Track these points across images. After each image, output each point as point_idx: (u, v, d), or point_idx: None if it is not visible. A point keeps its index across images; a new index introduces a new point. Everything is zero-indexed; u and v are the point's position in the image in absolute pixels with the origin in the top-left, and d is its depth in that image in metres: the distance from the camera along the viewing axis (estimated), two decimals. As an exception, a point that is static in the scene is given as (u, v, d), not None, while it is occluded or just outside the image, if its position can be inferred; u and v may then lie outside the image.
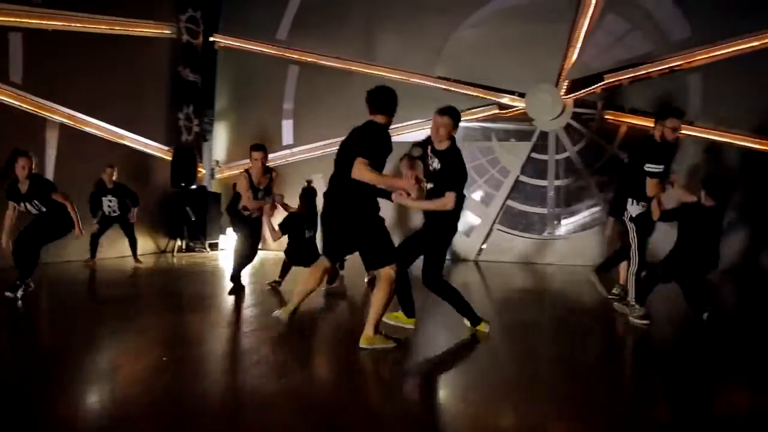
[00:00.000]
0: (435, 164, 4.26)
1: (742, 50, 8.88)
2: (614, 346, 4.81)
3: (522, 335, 4.82)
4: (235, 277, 6.02)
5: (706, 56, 9.06)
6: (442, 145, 4.28)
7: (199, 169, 10.41)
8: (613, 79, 9.44)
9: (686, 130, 9.10)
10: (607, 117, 9.56)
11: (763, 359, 4.09)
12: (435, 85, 10.18)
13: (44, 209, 5.52)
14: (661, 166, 4.83)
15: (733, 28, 8.91)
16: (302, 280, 4.29)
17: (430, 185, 4.33)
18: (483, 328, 4.41)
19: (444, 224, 4.29)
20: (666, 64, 9.25)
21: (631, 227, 5.04)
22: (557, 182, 9.77)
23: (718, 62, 9.01)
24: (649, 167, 4.80)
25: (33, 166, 5.51)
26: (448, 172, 4.19)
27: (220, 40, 11.27)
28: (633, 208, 4.99)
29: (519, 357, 4.14)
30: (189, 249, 9.93)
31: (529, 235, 9.86)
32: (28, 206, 5.53)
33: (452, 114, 4.30)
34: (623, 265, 5.61)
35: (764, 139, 8.83)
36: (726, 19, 8.93)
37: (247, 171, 6.03)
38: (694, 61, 9.13)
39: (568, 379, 3.56)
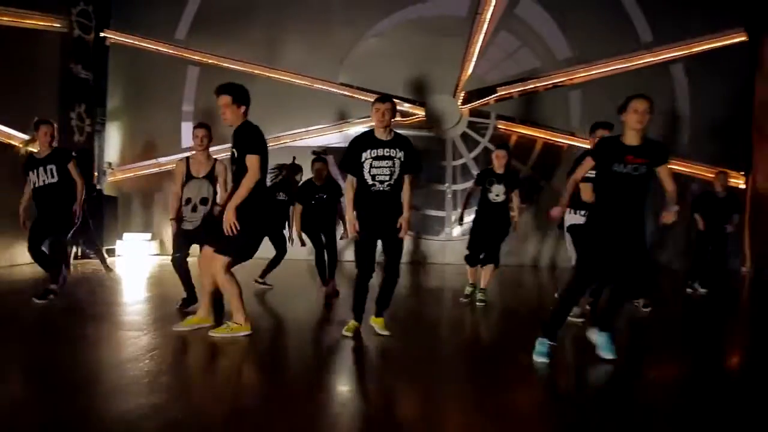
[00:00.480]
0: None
1: (615, 70, 9.90)
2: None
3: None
4: None
5: (585, 74, 10.00)
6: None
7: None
8: (505, 92, 10.16)
9: (568, 140, 10.03)
10: (499, 126, 10.24)
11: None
12: (338, 91, 10.41)
13: (55, 179, 5.56)
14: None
15: (608, 49, 9.92)
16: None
17: None
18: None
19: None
20: (551, 80, 10.10)
21: (567, 237, 5.19)
22: (455, 186, 10.31)
23: (596, 80, 9.96)
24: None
25: (55, 135, 5.70)
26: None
27: (111, 36, 10.82)
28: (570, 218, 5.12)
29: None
30: (84, 256, 9.39)
31: (429, 236, 10.33)
32: (41, 173, 5.56)
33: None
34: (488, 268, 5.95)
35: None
36: (601, 42, 9.93)
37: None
38: (574, 78, 10.04)
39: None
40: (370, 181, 4.17)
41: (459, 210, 8.67)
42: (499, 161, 5.92)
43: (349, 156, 4.24)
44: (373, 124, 4.26)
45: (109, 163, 10.71)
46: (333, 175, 6.68)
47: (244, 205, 4.13)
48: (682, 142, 9.91)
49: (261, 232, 4.48)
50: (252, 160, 4.14)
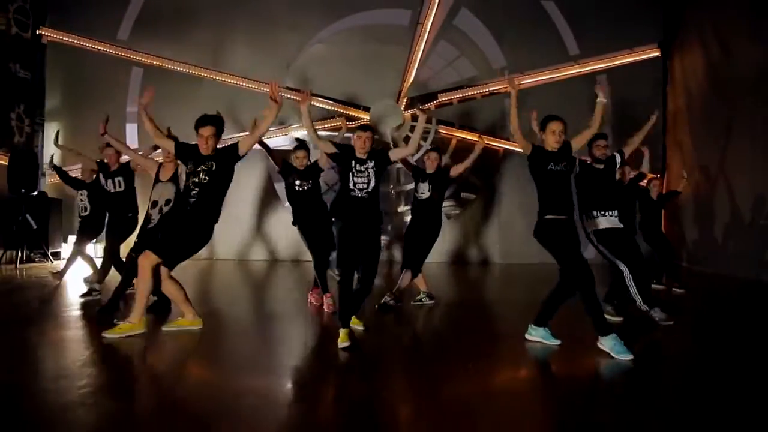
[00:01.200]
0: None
1: (545, 80, 10.69)
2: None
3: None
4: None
5: (517, 83, 10.67)
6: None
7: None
8: (445, 98, 10.73)
9: (504, 144, 10.72)
10: (440, 131, 10.81)
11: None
12: (285, 95, 10.62)
13: (123, 189, 6.19)
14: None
15: (540, 61, 10.69)
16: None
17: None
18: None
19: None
20: (487, 87, 10.76)
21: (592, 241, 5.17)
22: (398, 187, 10.80)
23: (530, 89, 10.68)
24: None
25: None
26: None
27: (48, 33, 10.60)
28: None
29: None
30: (29, 259, 9.20)
31: (375, 236, 10.78)
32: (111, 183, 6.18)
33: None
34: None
35: (563, 154, 10.70)
36: (534, 53, 10.69)
37: None
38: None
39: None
40: (351, 187, 4.55)
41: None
42: (430, 162, 6.36)
43: (343, 155, 4.57)
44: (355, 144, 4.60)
45: (51, 159, 10.44)
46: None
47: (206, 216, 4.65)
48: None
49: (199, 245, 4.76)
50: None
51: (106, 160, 6.27)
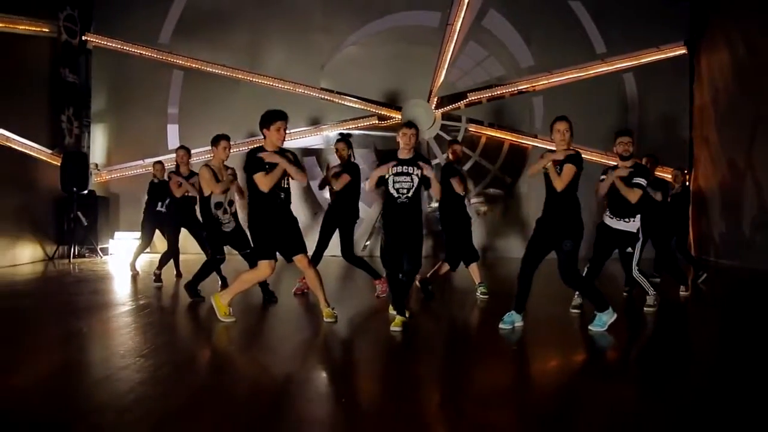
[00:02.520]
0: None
1: (572, 78, 10.92)
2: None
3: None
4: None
5: (546, 82, 10.97)
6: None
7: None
8: (474, 97, 11.02)
9: (531, 142, 10.99)
10: (469, 129, 11.10)
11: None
12: (319, 96, 11.03)
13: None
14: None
15: (566, 59, 10.93)
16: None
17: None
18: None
19: None
20: (515, 87, 11.02)
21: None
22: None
23: (557, 87, 10.94)
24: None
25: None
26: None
27: (93, 39, 11.08)
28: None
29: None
30: (80, 255, 9.70)
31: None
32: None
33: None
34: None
35: (594, 150, 10.87)
36: (561, 52, 10.93)
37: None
38: (537, 85, 11.00)
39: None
40: (395, 194, 4.81)
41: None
42: (453, 155, 6.64)
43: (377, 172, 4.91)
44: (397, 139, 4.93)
45: (96, 164, 10.98)
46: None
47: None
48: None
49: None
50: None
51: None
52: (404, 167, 4.82)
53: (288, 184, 4.95)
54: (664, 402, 3.18)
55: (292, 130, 10.89)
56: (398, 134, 4.94)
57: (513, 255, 11.07)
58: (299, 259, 4.97)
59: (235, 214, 5.88)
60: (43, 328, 4.90)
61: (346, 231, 6.34)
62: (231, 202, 5.84)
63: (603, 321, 4.68)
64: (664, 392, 3.37)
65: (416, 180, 4.81)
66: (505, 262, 10.52)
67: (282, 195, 4.88)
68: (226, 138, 5.88)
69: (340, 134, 6.76)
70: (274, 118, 4.82)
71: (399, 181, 4.80)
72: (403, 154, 4.87)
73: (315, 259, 5.91)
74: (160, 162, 7.80)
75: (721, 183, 10.16)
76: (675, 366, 4.01)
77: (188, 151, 7.10)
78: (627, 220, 5.38)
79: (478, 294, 6.31)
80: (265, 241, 4.84)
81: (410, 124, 4.98)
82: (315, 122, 11.09)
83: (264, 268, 4.85)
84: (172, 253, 7.13)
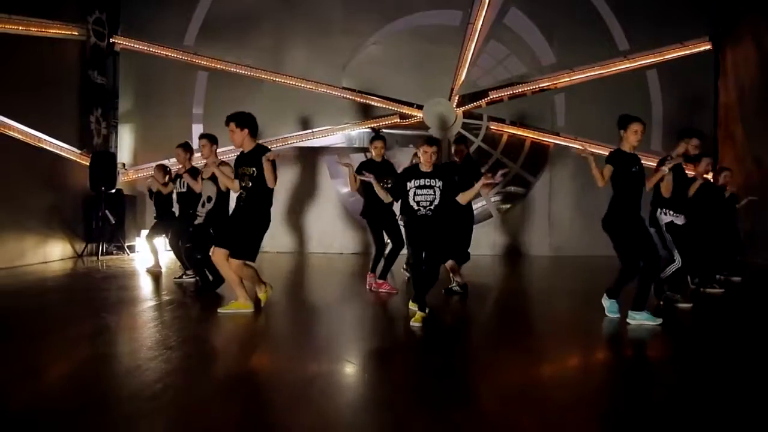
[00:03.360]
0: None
1: (595, 75, 10.87)
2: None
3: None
4: None
5: (568, 79, 10.93)
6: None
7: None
8: (496, 96, 11.03)
9: (553, 139, 10.96)
10: (491, 127, 11.10)
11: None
12: (341, 95, 11.13)
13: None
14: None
15: (588, 57, 10.88)
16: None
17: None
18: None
19: None
20: (537, 84, 11.00)
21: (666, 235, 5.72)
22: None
23: (578, 84, 10.90)
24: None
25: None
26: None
27: (120, 41, 11.32)
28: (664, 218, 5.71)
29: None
30: (108, 252, 9.92)
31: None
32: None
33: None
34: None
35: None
36: (582, 50, 10.88)
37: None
38: (559, 83, 10.96)
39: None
40: (415, 207, 4.89)
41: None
42: (458, 156, 6.72)
43: (398, 184, 5.05)
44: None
45: (123, 164, 11.21)
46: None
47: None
48: (656, 141, 10.92)
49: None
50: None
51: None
52: (426, 180, 4.88)
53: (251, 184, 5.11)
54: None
55: (314, 129, 11.11)
56: (419, 150, 5.00)
57: (534, 253, 11.08)
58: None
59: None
60: (74, 322, 5.05)
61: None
62: (210, 198, 6.09)
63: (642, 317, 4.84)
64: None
65: (438, 192, 4.87)
66: (528, 260, 10.53)
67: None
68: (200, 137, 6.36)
69: (374, 130, 6.79)
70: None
71: (421, 194, 4.87)
72: (425, 167, 4.93)
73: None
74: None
75: (747, 180, 10.01)
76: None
77: (184, 148, 7.13)
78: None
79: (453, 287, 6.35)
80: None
81: (432, 141, 4.99)
82: (338, 121, 11.18)
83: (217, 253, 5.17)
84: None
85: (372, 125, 10.97)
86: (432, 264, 5.00)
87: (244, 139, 5.10)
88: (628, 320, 4.86)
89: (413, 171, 4.99)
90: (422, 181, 4.87)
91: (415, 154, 6.29)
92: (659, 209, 5.71)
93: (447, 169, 5.15)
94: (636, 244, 4.91)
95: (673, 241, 5.67)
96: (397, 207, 5.41)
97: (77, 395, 3.15)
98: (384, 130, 10.95)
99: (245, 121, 5.09)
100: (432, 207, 4.88)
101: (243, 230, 5.11)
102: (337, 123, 11.19)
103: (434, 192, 4.86)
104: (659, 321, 4.82)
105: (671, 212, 5.65)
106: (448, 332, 5.02)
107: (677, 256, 5.63)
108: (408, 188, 4.91)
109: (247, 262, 5.17)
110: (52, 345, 4.24)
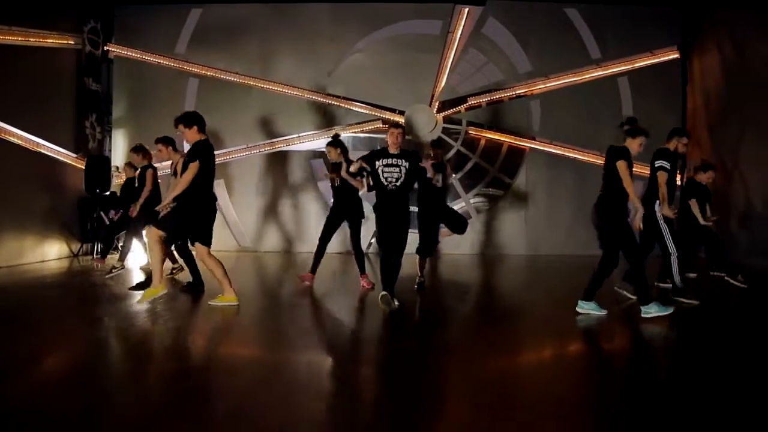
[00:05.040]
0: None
1: (568, 83, 11.40)
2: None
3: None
4: None
5: (543, 86, 11.45)
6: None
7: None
8: (474, 102, 11.54)
9: (529, 143, 11.47)
10: (469, 132, 11.61)
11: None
12: (326, 101, 11.62)
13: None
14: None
15: (562, 65, 11.41)
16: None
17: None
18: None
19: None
20: (514, 91, 11.52)
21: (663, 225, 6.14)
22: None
23: (553, 91, 11.43)
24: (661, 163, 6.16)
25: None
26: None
27: (114, 49, 11.77)
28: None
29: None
30: (102, 252, 10.34)
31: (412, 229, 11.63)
32: None
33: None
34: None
35: (590, 152, 11.33)
36: (557, 58, 11.41)
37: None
38: (534, 89, 11.48)
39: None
40: (384, 183, 5.54)
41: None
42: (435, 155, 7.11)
43: (367, 160, 5.69)
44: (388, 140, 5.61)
45: (117, 167, 11.64)
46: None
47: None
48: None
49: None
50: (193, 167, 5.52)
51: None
52: (393, 159, 5.55)
53: None
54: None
55: (301, 134, 11.59)
56: (387, 133, 5.60)
57: (511, 252, 11.58)
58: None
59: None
60: (70, 314, 5.53)
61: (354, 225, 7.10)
62: None
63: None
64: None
65: (404, 171, 5.54)
66: (506, 259, 11.03)
67: None
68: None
69: (333, 138, 7.34)
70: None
71: (387, 171, 5.53)
72: (392, 149, 5.54)
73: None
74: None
75: (712, 182, 10.52)
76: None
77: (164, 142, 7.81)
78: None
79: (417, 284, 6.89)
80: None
81: (397, 125, 5.72)
82: (324, 125, 11.65)
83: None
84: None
85: (356, 130, 11.49)
86: (398, 254, 5.59)
87: (194, 135, 5.65)
88: (642, 315, 5.26)
89: (381, 152, 5.65)
90: (389, 161, 5.55)
91: (428, 155, 6.99)
92: (656, 202, 6.14)
93: (413, 154, 5.71)
94: (628, 232, 5.33)
95: (669, 231, 6.11)
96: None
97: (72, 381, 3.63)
98: (363, 135, 11.47)
99: (192, 120, 5.65)
100: (398, 183, 5.53)
101: (179, 214, 5.59)
102: (322, 127, 11.66)
103: (400, 171, 5.53)
104: (671, 309, 5.30)
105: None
106: (422, 323, 5.52)
107: (672, 248, 6.09)
108: (377, 166, 5.54)
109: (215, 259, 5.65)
110: (52, 333, 4.72)
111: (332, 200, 7.44)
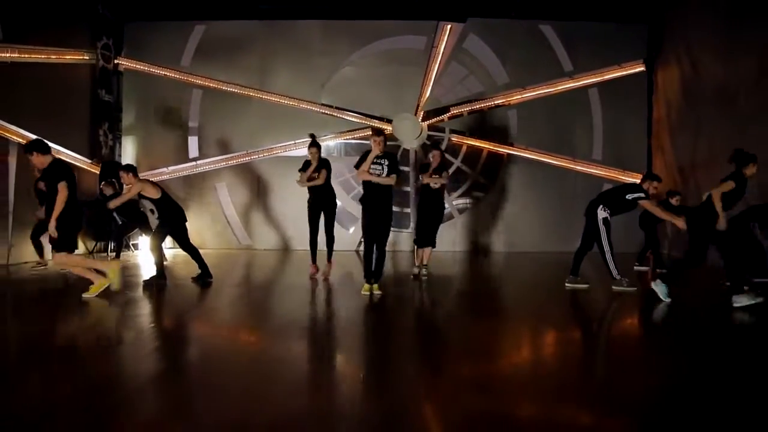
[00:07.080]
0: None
1: (543, 93, 12.37)
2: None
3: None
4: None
5: (519, 97, 12.42)
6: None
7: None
8: (456, 111, 12.51)
9: (507, 150, 12.43)
10: (452, 138, 12.58)
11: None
12: (320, 110, 12.59)
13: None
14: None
15: (537, 77, 12.39)
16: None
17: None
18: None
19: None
20: (493, 101, 12.49)
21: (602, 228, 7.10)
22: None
23: (529, 101, 12.40)
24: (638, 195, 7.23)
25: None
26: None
27: (124, 62, 12.74)
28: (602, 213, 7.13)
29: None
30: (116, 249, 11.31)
31: (398, 229, 12.60)
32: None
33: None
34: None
35: (562, 157, 12.31)
36: (532, 71, 12.39)
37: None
38: (512, 100, 12.46)
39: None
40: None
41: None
42: (434, 159, 8.22)
43: (360, 160, 6.73)
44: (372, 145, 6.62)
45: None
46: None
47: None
48: (597, 151, 12.43)
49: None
50: (61, 186, 6.02)
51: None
52: (378, 159, 6.62)
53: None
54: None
55: (297, 141, 12.55)
56: (371, 140, 6.61)
57: (491, 249, 12.54)
58: None
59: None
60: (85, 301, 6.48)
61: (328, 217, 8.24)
62: (152, 211, 8.09)
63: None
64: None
65: (385, 168, 6.61)
66: (485, 255, 11.98)
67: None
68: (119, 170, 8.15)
69: (312, 139, 8.36)
70: None
71: (374, 169, 6.60)
72: (377, 151, 6.59)
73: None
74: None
75: (673, 186, 11.48)
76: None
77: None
78: None
79: (423, 272, 8.04)
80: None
81: (379, 132, 6.71)
82: (318, 133, 12.55)
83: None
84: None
85: (348, 137, 12.46)
86: (381, 241, 6.62)
87: (44, 160, 6.10)
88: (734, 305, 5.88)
89: (368, 153, 6.64)
90: (376, 160, 6.61)
91: (432, 155, 8.32)
92: (600, 206, 7.11)
93: (392, 155, 6.77)
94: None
95: (607, 233, 7.08)
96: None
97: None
98: (354, 141, 12.43)
99: (44, 147, 6.14)
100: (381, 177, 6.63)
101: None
102: (317, 135, 12.58)
103: (382, 167, 6.61)
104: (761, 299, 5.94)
105: (608, 210, 7.10)
106: (408, 312, 6.47)
107: (606, 246, 7.05)
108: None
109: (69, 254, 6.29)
110: (66, 316, 5.66)
111: (309, 196, 8.35)
